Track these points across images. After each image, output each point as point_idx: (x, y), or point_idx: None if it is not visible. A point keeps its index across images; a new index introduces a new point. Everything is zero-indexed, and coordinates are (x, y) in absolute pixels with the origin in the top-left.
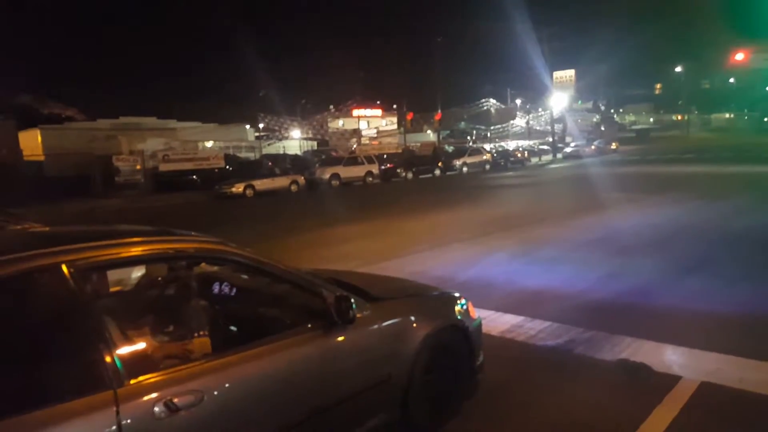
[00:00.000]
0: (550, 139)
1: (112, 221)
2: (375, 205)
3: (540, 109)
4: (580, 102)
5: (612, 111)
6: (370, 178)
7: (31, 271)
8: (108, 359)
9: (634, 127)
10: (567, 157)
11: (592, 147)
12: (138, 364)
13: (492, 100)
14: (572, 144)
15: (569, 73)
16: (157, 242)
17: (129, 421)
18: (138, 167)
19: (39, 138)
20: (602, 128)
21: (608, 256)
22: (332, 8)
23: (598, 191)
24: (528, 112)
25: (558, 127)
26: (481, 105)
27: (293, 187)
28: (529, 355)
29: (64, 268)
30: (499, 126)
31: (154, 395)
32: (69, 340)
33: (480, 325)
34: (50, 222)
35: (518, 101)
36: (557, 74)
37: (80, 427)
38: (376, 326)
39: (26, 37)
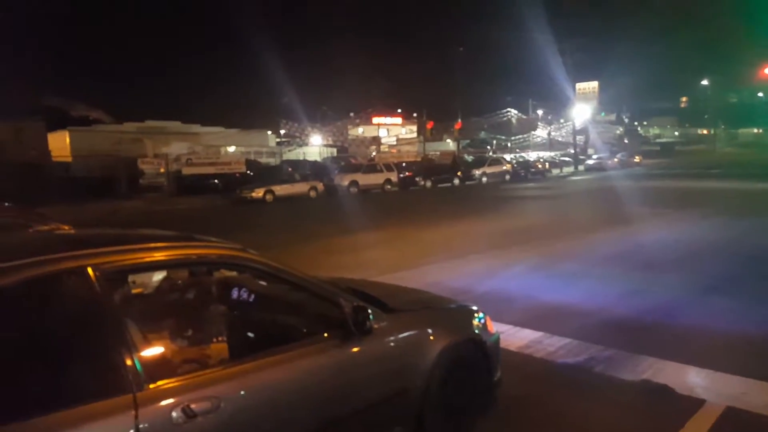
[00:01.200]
0: (572, 151)
1: (136, 223)
2: (393, 213)
3: (562, 120)
4: (603, 114)
5: (636, 123)
6: (389, 186)
7: (58, 274)
8: (129, 363)
9: (658, 140)
10: (589, 169)
11: (615, 159)
12: (157, 368)
13: (513, 111)
14: (594, 156)
15: (592, 85)
16: (180, 248)
17: (147, 425)
18: (162, 170)
19: (67, 139)
20: (625, 141)
21: (630, 272)
22: (355, 17)
23: (621, 205)
24: (549, 123)
25: (580, 138)
26: (502, 115)
27: (312, 193)
28: (547, 372)
29: (90, 271)
30: (519, 136)
31: (172, 400)
32: (92, 342)
33: (498, 339)
34: (76, 222)
35: (540, 112)
36: (580, 86)
37: (100, 429)
38: (392, 338)
39: (56, 40)
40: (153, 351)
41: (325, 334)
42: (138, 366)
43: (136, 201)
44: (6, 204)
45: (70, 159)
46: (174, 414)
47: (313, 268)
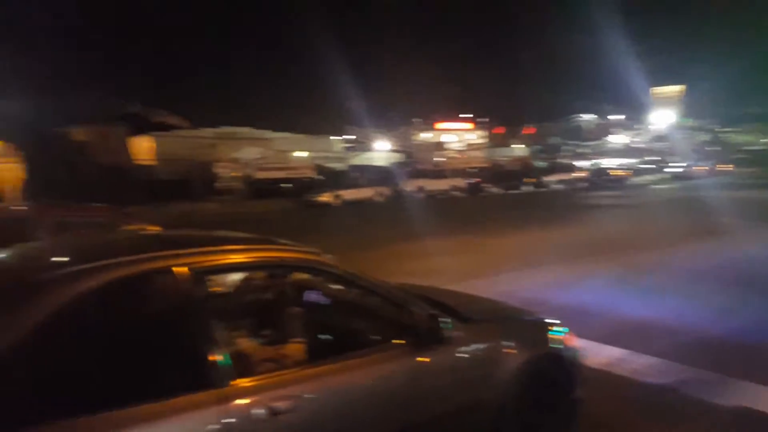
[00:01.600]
0: (653, 158)
1: (212, 225)
2: (460, 220)
3: (641, 126)
4: (688, 119)
5: (725, 129)
6: (456, 192)
7: (150, 272)
8: (214, 359)
9: (749, 148)
10: (673, 177)
11: (702, 167)
12: (240, 365)
13: (587, 115)
14: (678, 164)
15: (675, 89)
16: (261, 250)
17: (231, 420)
18: (235, 174)
19: (150, 144)
20: (713, 148)
21: (723, 289)
22: (423, 21)
23: (710, 216)
24: (626, 129)
25: (662, 145)
26: (575, 120)
27: (378, 198)
28: (631, 392)
29: (179, 270)
30: (595, 142)
31: (254, 398)
32: (180, 338)
33: (579, 355)
34: (157, 222)
35: (616, 117)
36: (660, 89)
37: (186, 422)
38: (467, 348)
39: (138, 49)
40: (235, 348)
41: (398, 341)
42: (222, 362)
43: (212, 203)
44: (97, 204)
45: (152, 162)
46: (256, 411)
47: (381, 273)
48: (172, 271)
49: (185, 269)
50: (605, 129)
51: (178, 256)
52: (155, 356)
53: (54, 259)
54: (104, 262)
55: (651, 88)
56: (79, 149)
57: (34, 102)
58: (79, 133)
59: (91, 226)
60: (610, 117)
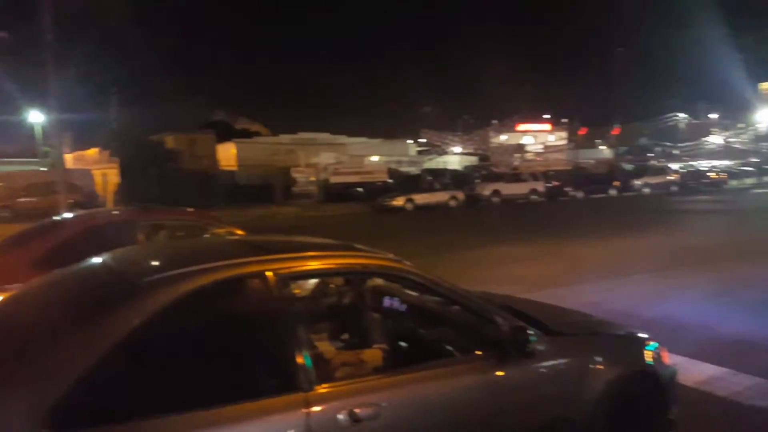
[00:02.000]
0: (755, 160)
1: (290, 228)
2: (539, 225)
3: (742, 125)
4: None
5: None
6: (534, 196)
7: (242, 277)
8: (301, 363)
9: None
10: None
11: None
12: (323, 369)
13: (681, 115)
14: None
15: None
16: (345, 257)
17: (316, 425)
18: (312, 179)
19: (233, 150)
20: None
21: None
22: (500, 21)
23: None
24: (726, 129)
25: (765, 145)
26: (667, 119)
27: (452, 203)
28: (732, 415)
29: (269, 275)
30: (688, 143)
31: (338, 403)
32: (270, 341)
33: (675, 373)
34: (240, 225)
35: (713, 116)
36: (764, 85)
37: (273, 424)
38: (554, 363)
39: (223, 59)
40: (319, 352)
41: (481, 352)
42: (309, 366)
43: (290, 207)
44: (188, 209)
45: (234, 168)
46: (340, 416)
47: (456, 280)
48: (262, 276)
49: (274, 274)
50: (702, 129)
51: (267, 261)
52: (245, 358)
53: (154, 262)
54: (201, 266)
55: (759, 84)
56: (170, 155)
57: (129, 111)
58: (170, 140)
59: (182, 229)
60: (709, 116)
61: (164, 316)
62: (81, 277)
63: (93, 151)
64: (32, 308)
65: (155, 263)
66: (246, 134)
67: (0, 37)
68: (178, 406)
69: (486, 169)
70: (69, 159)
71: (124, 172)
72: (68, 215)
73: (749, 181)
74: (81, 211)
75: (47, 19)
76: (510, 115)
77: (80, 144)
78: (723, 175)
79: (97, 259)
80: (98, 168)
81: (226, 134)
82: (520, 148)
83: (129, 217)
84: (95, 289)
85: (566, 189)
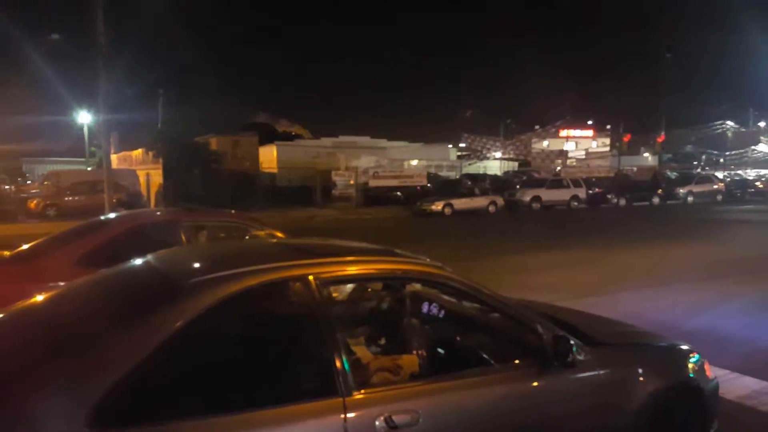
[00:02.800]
0: None
1: (329, 231)
2: (580, 232)
3: None
4: None
5: None
6: (576, 203)
7: (284, 281)
8: (340, 367)
9: None
10: None
11: None
12: (361, 375)
13: (729, 122)
14: None
15: None
16: (386, 262)
17: (353, 430)
18: (351, 182)
19: (275, 153)
20: None
21: None
22: (545, 25)
23: None
24: None
25: None
26: (714, 127)
27: (491, 208)
28: None
29: (311, 279)
30: (736, 151)
31: (376, 409)
32: (311, 344)
33: (717, 386)
34: (280, 227)
35: (762, 124)
36: None
37: (311, 428)
38: (595, 374)
39: (266, 61)
40: (357, 358)
41: (520, 361)
42: (347, 371)
43: (329, 210)
44: (231, 211)
45: (275, 170)
46: (377, 423)
47: (494, 286)
48: (304, 280)
49: (315, 278)
50: (750, 137)
51: (310, 265)
52: (285, 362)
53: (198, 264)
54: (245, 269)
55: None
56: (213, 157)
57: (174, 112)
58: (213, 142)
59: (224, 230)
60: (758, 124)
61: (207, 318)
62: (125, 277)
63: (138, 152)
64: (76, 307)
65: (199, 264)
66: (287, 137)
67: (51, 40)
68: (217, 408)
69: (527, 174)
70: (115, 159)
71: (167, 173)
72: (113, 215)
73: None
74: (125, 211)
75: (99, 21)
76: (553, 120)
77: (126, 144)
78: None
79: (141, 260)
80: (143, 168)
81: (268, 136)
82: (562, 154)
83: (172, 218)
84: (139, 290)
85: (608, 196)
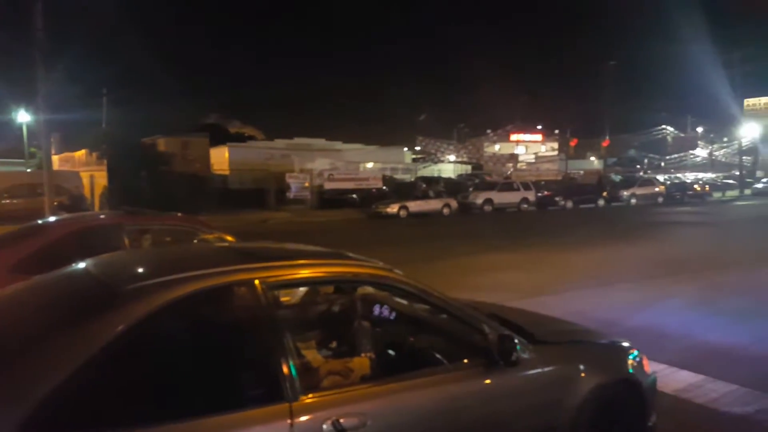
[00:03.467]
0: (737, 173)
1: (283, 234)
2: (530, 234)
3: (726, 139)
4: None
5: None
6: (525, 205)
7: (229, 285)
8: (287, 372)
9: None
10: (757, 193)
11: None
12: (310, 379)
13: (668, 128)
14: (764, 179)
15: (764, 100)
16: (335, 265)
17: None
18: (306, 185)
19: (226, 154)
20: None
21: None
22: (496, 33)
23: None
24: (711, 142)
25: (747, 159)
26: (655, 132)
27: (445, 210)
28: (709, 421)
29: (257, 283)
30: (675, 156)
31: (324, 413)
32: (257, 350)
33: (655, 381)
34: (231, 230)
35: (700, 129)
36: (749, 101)
37: None
38: (539, 372)
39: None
40: (304, 361)
41: (467, 361)
42: (294, 376)
43: (283, 213)
44: (178, 214)
45: (227, 172)
46: (325, 427)
47: (446, 287)
48: (250, 285)
49: (262, 283)
50: (688, 142)
51: (256, 269)
52: (229, 368)
53: (138, 269)
54: (186, 274)
55: (745, 100)
56: (161, 158)
57: (120, 112)
58: (162, 143)
59: (170, 234)
60: (695, 129)
61: (146, 326)
62: (60, 283)
63: (81, 153)
64: (6, 315)
65: (139, 270)
66: (240, 138)
67: None
68: (159, 418)
69: (479, 177)
70: (56, 160)
71: (112, 175)
72: (52, 218)
73: (731, 193)
74: (66, 215)
75: (37, 16)
76: (504, 125)
77: (69, 145)
78: (707, 188)
79: (79, 265)
80: (86, 170)
81: (220, 138)
82: (513, 157)
83: (114, 222)
84: (75, 297)
85: (556, 199)
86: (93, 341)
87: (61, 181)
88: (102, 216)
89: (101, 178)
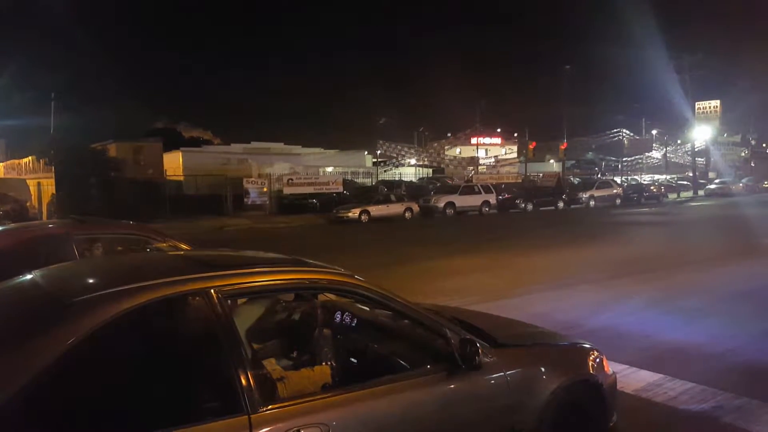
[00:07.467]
0: (691, 174)
1: (241, 241)
2: (492, 237)
3: (679, 141)
4: (726, 135)
5: (765, 145)
6: (487, 208)
7: (182, 295)
8: (245, 384)
9: None
10: (710, 194)
11: (740, 185)
12: (269, 390)
13: (624, 131)
14: (717, 180)
15: (714, 104)
16: (293, 272)
17: None
18: (265, 190)
19: (180, 159)
20: (752, 164)
21: (763, 312)
22: (455, 37)
23: (749, 235)
24: (666, 144)
25: (700, 161)
26: (612, 135)
27: (407, 215)
28: (668, 418)
29: (213, 292)
30: (631, 158)
31: (283, 424)
32: (213, 362)
33: (615, 381)
34: (187, 238)
35: (654, 132)
36: (700, 104)
37: None
38: (501, 375)
39: (171, 67)
40: (265, 372)
41: (430, 366)
42: (253, 388)
43: (241, 219)
44: (130, 222)
45: (182, 178)
46: None
47: (409, 292)
48: (204, 294)
49: (217, 292)
50: (645, 144)
51: (211, 278)
52: (185, 381)
53: (87, 280)
54: (137, 284)
55: (696, 103)
56: (112, 164)
57: (68, 118)
58: (113, 149)
59: (122, 242)
60: (650, 132)
61: (96, 339)
62: (7, 296)
63: (28, 160)
64: None
65: (89, 281)
66: (195, 143)
67: None
68: None
69: (440, 180)
70: (1, 168)
71: (61, 182)
72: None
73: (686, 194)
74: (11, 224)
75: None
76: (464, 128)
77: (15, 152)
78: (662, 189)
79: (26, 276)
80: (34, 177)
81: (174, 142)
82: (474, 160)
83: (63, 231)
84: (22, 310)
85: (517, 201)
86: (41, 356)
87: (6, 189)
88: (50, 225)
89: (49, 186)
